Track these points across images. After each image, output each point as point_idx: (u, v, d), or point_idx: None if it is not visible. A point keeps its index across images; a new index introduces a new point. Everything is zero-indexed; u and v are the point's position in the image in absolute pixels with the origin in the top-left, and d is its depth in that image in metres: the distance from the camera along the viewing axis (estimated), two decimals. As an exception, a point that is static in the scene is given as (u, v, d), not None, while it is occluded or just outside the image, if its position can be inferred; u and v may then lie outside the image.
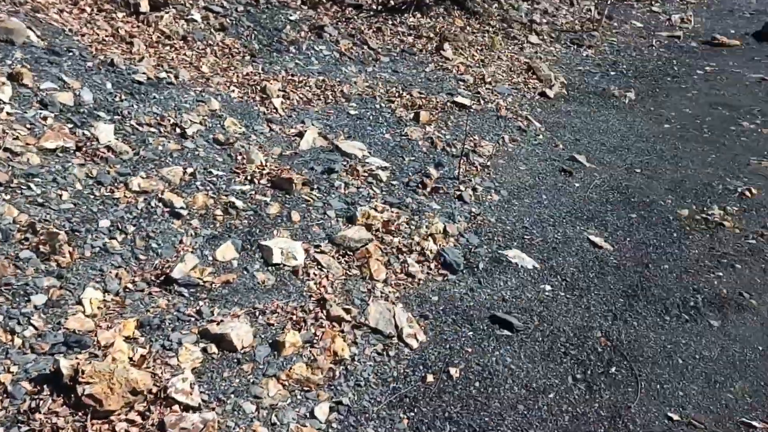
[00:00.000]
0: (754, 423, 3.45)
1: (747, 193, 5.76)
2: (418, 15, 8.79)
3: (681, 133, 7.05)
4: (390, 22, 8.43)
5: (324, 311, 3.84)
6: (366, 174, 5.26)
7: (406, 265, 4.42)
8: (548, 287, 4.46)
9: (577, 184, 5.86)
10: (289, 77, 6.47)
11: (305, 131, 5.64)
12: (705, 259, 4.87)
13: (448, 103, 6.84)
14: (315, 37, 7.32)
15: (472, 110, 6.85)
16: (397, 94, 6.71)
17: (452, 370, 3.65)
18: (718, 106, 7.81)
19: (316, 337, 3.64)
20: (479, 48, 8.48)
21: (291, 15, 7.47)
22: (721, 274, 4.70)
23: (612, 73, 8.75)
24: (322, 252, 4.29)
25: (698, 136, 6.98)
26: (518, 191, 5.63)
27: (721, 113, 7.59)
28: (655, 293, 4.46)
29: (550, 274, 4.59)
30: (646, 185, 5.90)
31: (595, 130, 7.01)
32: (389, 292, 4.17)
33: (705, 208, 5.55)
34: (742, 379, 3.76)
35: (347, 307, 3.92)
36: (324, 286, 4.05)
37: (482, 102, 7.12)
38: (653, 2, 11.80)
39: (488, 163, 5.95)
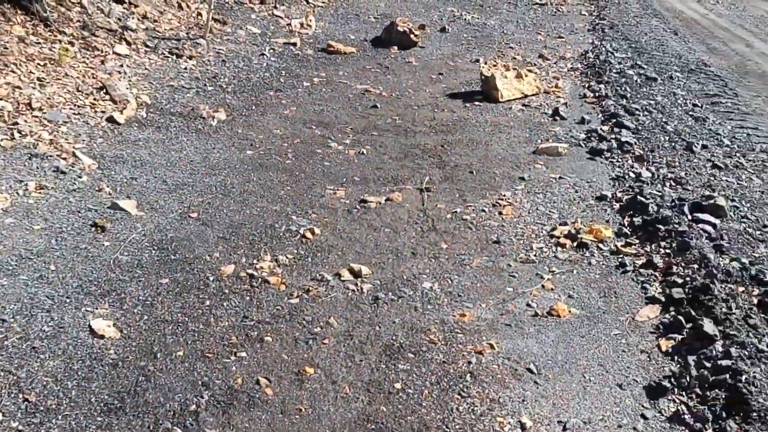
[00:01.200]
0: None
1: (309, 234, 5.11)
2: (-42, 22, 7.00)
3: (262, 160, 6.30)
4: None
5: None
6: None
7: None
8: (-7, 418, 3.26)
9: (107, 243, 4.75)
10: None
11: None
12: (234, 333, 4.05)
13: (-40, 142, 5.29)
14: None
15: (-4, 149, 5.39)
16: None
17: None
18: (312, 124, 7.25)
19: None
20: (41, 63, 6.97)
21: None
22: (244, 354, 3.90)
23: (210, 88, 7.82)
24: None
25: (280, 163, 6.29)
26: (16, 263, 4.35)
27: (313, 133, 7.03)
28: (150, 399, 3.50)
29: (9, 394, 3.39)
30: (197, 235, 4.99)
31: (162, 164, 5.98)
32: None
33: (256, 260, 4.77)
34: None
35: None
36: None
37: (17, 136, 5.67)
38: (276, 5, 11.16)
39: (-12, 226, 4.57)
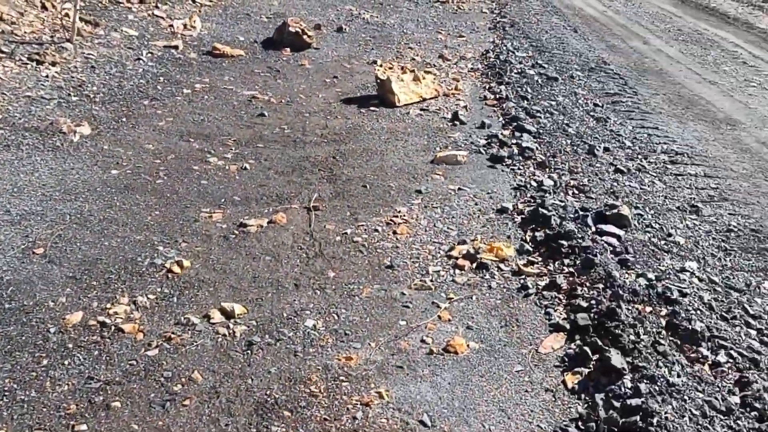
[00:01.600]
0: None
1: (176, 267, 4.47)
2: None
3: (129, 181, 5.58)
4: None
5: None
6: None
7: None
8: None
9: (-76, 293, 3.94)
10: None
11: None
12: (74, 400, 3.42)
13: None
14: None
15: None
16: None
17: None
18: (190, 137, 6.56)
19: None
20: None
21: None
22: (84, 426, 3.27)
23: (74, 98, 6.99)
24: None
25: (149, 183, 5.58)
26: None
27: (191, 147, 6.35)
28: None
29: None
30: (41, 276, 4.26)
31: (7, 190, 5.19)
32: None
33: (110, 304, 4.09)
34: None
35: None
36: None
37: None
38: (158, 5, 10.33)
39: None
